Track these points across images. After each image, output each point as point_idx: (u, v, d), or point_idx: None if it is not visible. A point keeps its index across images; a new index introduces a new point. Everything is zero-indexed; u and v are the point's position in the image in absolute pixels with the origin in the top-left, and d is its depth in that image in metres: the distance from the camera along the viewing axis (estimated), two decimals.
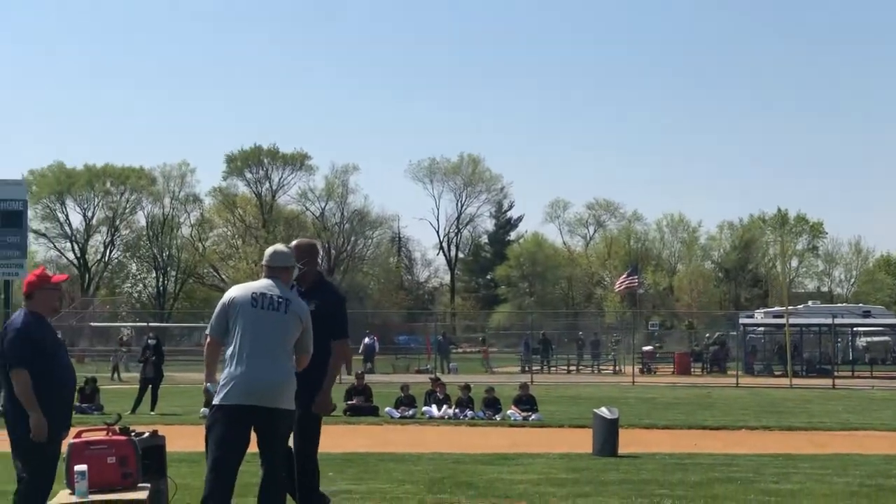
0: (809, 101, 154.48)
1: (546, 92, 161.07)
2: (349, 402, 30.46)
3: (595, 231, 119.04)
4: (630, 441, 21.53)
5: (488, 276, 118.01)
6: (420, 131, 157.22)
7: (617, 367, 63.20)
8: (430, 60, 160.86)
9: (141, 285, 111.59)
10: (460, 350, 79.94)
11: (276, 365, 9.85)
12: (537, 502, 13.58)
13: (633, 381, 49.73)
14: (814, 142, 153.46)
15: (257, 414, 9.80)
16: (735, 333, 64.83)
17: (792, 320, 53.87)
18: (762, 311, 70.22)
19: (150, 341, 32.41)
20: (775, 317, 60.63)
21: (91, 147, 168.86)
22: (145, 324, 70.62)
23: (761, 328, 63.84)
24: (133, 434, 11.92)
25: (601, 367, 64.29)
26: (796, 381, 48.87)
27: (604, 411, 20.44)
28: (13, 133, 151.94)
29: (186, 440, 20.15)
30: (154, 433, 12.64)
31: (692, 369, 60.63)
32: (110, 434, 11.79)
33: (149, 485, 11.72)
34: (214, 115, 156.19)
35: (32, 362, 9.89)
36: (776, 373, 57.96)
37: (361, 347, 60.94)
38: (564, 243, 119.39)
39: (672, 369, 60.34)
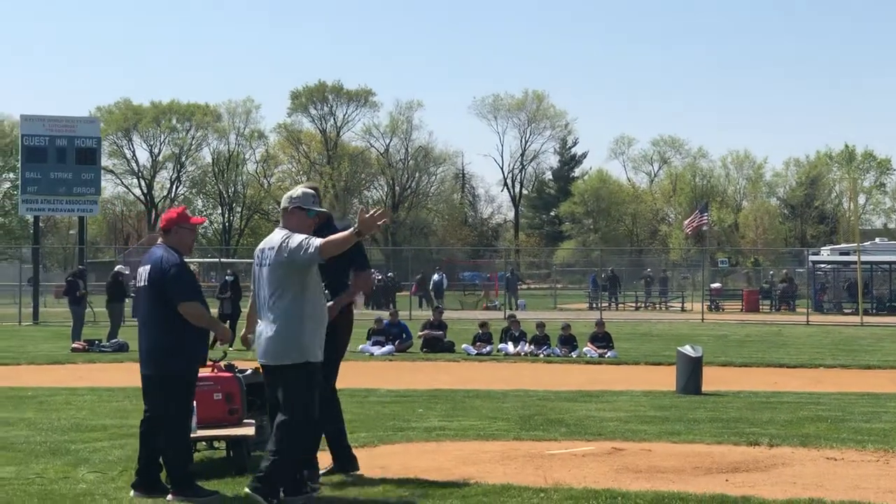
0: (876, 36, 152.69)
1: (611, 27, 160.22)
2: (424, 332, 30.70)
3: (660, 168, 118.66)
4: (709, 379, 21.49)
5: (552, 213, 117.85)
6: (484, 67, 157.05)
7: (685, 305, 63.00)
8: None
9: (207, 221, 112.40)
10: (525, 286, 79.98)
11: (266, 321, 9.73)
12: (631, 440, 13.67)
13: (703, 319, 49.58)
14: (881, 77, 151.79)
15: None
16: (802, 270, 64.39)
17: (863, 258, 53.35)
18: (829, 248, 69.62)
19: (227, 278, 32.67)
20: (842, 254, 60.06)
21: (157, 84, 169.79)
22: (216, 259, 71.25)
23: (829, 265, 63.34)
24: (237, 371, 12.14)
25: (668, 305, 64.14)
26: (867, 318, 48.53)
27: (688, 349, 20.45)
28: (81, 70, 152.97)
29: None
30: (256, 370, 12.85)
31: (760, 306, 60.33)
32: (216, 371, 12.01)
33: (253, 420, 11.94)
34: (279, 51, 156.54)
35: (196, 296, 10.13)
36: (846, 311, 57.54)
37: (431, 284, 61.20)
38: (629, 180, 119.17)
39: (740, 306, 60.09)
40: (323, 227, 10.38)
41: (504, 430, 14.67)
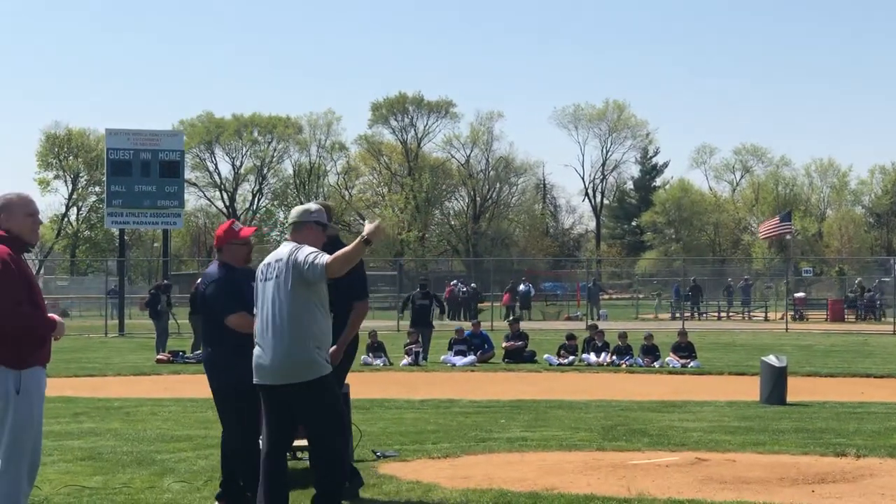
0: None
1: (691, 36, 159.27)
2: (507, 344, 30.75)
3: (742, 177, 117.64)
4: (794, 389, 21.31)
5: (633, 223, 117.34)
6: (564, 77, 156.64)
7: (767, 314, 62.41)
8: (574, 5, 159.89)
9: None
10: (606, 296, 79.66)
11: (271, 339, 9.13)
12: (714, 450, 13.57)
13: (786, 328, 49.13)
14: None
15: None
16: (888, 280, 63.57)
17: None
18: None
19: None
20: None
21: (239, 97, 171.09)
22: None
23: None
24: None
25: (751, 314, 63.59)
26: None
27: (772, 359, 20.29)
28: (164, 84, 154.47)
29: (362, 387, 20.56)
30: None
31: (846, 316, 59.61)
32: None
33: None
34: (360, 63, 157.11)
35: (238, 307, 10.00)
36: None
37: (517, 294, 61.21)
38: (711, 189, 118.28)
39: (825, 316, 59.43)
40: (329, 245, 10.06)
41: (587, 440, 14.63)
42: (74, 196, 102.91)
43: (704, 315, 62.40)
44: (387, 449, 13.51)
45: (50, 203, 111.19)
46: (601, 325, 42.47)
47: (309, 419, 9.12)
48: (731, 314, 63.53)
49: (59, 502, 10.40)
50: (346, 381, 12.56)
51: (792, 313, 57.70)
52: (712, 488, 10.83)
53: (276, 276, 9.06)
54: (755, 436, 15.07)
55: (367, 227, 8.82)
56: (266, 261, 9.32)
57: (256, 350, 9.17)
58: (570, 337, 31.03)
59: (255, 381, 9.19)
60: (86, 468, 12.42)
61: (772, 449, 13.75)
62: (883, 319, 57.48)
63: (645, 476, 11.55)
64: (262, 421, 9.40)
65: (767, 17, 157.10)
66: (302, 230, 9.30)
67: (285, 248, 9.19)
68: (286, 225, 9.83)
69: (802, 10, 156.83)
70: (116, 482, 11.43)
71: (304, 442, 11.34)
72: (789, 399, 19.95)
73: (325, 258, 8.84)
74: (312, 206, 9.56)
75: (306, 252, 8.95)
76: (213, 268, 10.47)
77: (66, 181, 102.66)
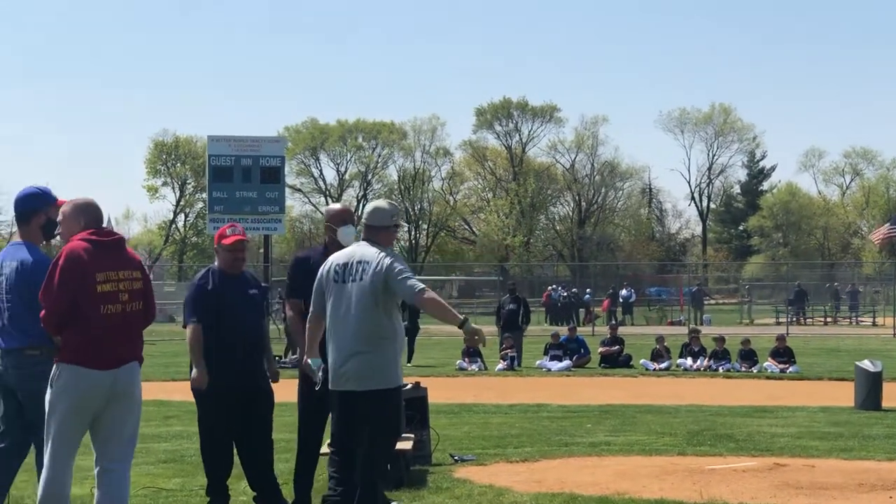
0: None
1: (799, 38, 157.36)
2: (603, 350, 30.62)
3: (852, 180, 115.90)
4: (894, 395, 21.00)
5: (740, 227, 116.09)
6: (670, 81, 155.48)
7: (876, 319, 61.46)
8: (677, 8, 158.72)
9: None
10: (713, 301, 79.03)
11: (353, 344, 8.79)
12: (800, 456, 13.38)
13: (895, 334, 48.33)
14: None
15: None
16: None
17: None
18: None
19: None
20: None
21: (343, 103, 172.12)
22: None
23: None
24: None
25: (859, 319, 62.69)
26: None
27: (866, 364, 19.97)
28: (269, 91, 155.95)
29: (444, 391, 20.60)
30: (416, 385, 12.94)
31: None
32: None
33: (412, 435, 12.00)
34: (464, 68, 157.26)
35: (202, 318, 10.02)
36: None
37: (620, 298, 61.00)
38: (819, 193, 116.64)
39: None
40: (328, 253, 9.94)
41: (670, 445, 14.51)
42: (182, 202, 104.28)
43: (810, 320, 61.62)
44: (466, 453, 13.49)
45: (158, 210, 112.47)
46: (703, 329, 42.19)
47: (369, 431, 8.83)
48: (838, 319, 62.67)
49: (136, 503, 10.49)
50: (421, 385, 12.61)
51: None
52: (787, 494, 10.69)
53: (362, 280, 8.72)
54: (844, 442, 14.84)
55: (473, 329, 8.72)
56: (342, 261, 8.94)
57: (337, 352, 8.86)
58: (660, 339, 30.78)
59: (330, 386, 8.98)
60: (167, 470, 12.56)
61: (858, 455, 13.54)
62: None
63: (720, 481, 11.41)
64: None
65: (872, 18, 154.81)
66: (381, 233, 9.02)
67: (371, 251, 8.83)
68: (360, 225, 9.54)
69: None
70: (194, 484, 11.52)
71: None
72: (887, 405, 19.61)
73: (419, 284, 8.68)
74: (390, 206, 9.31)
75: (400, 266, 8.70)
76: (199, 273, 10.59)
77: (173, 188, 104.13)
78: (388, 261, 8.68)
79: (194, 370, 10.04)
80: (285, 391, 10.74)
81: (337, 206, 11.04)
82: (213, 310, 10.02)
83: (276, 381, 10.45)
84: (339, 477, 9.06)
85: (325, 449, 11.46)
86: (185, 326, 10.20)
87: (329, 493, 9.19)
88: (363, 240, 9.08)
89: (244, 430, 10.27)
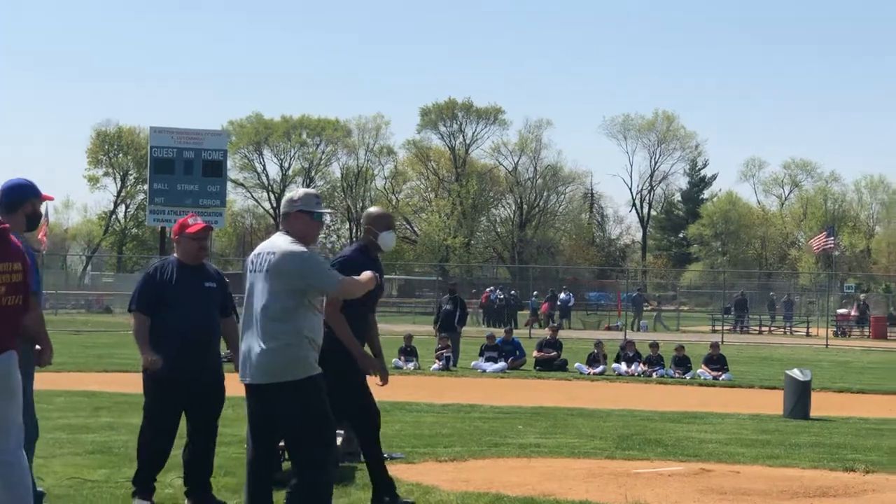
0: None
1: (742, 49, 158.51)
2: (539, 353, 30.71)
3: (791, 191, 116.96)
4: (823, 404, 21.29)
5: (681, 235, 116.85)
6: (614, 87, 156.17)
7: (809, 330, 62.09)
8: (624, 15, 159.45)
9: (335, 236, 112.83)
10: (650, 309, 79.44)
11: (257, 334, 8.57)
12: (726, 462, 13.50)
13: (827, 344, 48.84)
14: None
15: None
16: None
17: None
18: None
19: None
20: None
21: (288, 99, 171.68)
22: None
23: None
24: None
25: (793, 329, 63.29)
26: None
27: (796, 373, 20.20)
28: (213, 85, 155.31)
29: (378, 389, 20.52)
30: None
31: (888, 334, 59.21)
32: None
33: (342, 431, 11.99)
34: (409, 68, 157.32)
35: (148, 306, 10.05)
36: None
37: (559, 302, 61.21)
38: (759, 203, 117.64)
39: (868, 333, 59.05)
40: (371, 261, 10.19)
41: (599, 448, 14.58)
42: (123, 193, 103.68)
43: (746, 329, 62.13)
44: (396, 451, 13.50)
45: (99, 200, 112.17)
46: (638, 336, 42.47)
47: (289, 423, 8.56)
48: (772, 329, 63.25)
49: (60, 494, 10.42)
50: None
51: (834, 329, 57.42)
52: (711, 498, 10.79)
53: (269, 269, 8.51)
54: (770, 449, 14.99)
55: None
56: (257, 251, 8.83)
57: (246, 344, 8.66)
58: (598, 344, 30.92)
59: (240, 379, 8.79)
60: (93, 461, 12.47)
61: (784, 462, 13.68)
62: None
63: (645, 485, 11.50)
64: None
65: (818, 31, 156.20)
66: (289, 219, 8.83)
67: (282, 240, 8.69)
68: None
69: (852, 26, 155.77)
70: (120, 476, 11.44)
71: None
72: (814, 413, 19.88)
73: (338, 275, 8.63)
74: (297, 193, 9.03)
75: (319, 259, 8.64)
76: (156, 262, 10.63)
77: (115, 178, 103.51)
78: (291, 256, 8.50)
79: (142, 355, 10.08)
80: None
81: (377, 209, 10.94)
82: (163, 300, 10.01)
83: None
84: (254, 476, 8.87)
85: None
86: (129, 311, 10.23)
87: (246, 496, 8.97)
88: (280, 229, 8.94)
89: (190, 424, 10.22)
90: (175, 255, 10.37)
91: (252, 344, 8.57)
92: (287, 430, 8.62)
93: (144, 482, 10.22)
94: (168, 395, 10.05)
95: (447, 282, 40.17)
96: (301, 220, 8.81)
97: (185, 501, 10.16)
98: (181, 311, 9.98)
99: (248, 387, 8.67)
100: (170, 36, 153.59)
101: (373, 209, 10.91)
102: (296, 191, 9.09)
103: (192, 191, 48.97)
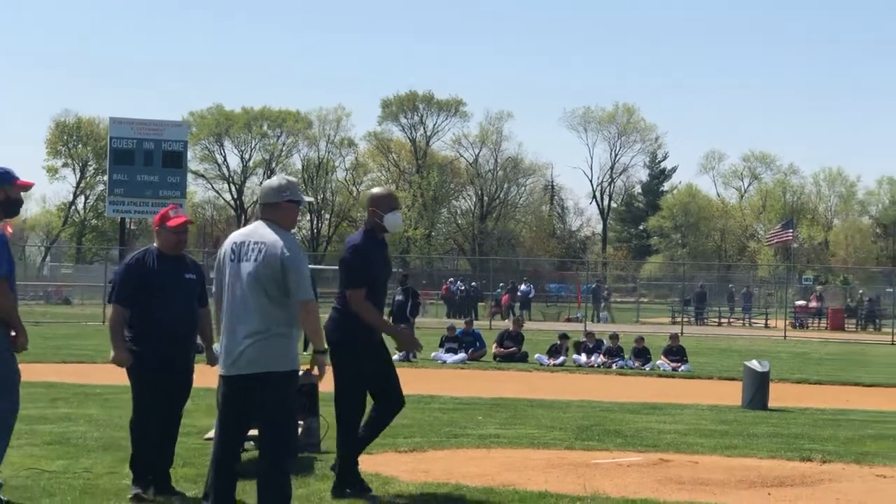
0: None
1: (702, 42, 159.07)
2: (499, 348, 30.69)
3: (750, 183, 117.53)
4: (781, 395, 21.41)
5: (641, 227, 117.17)
6: (575, 79, 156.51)
7: (768, 321, 62.45)
8: (585, 8, 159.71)
9: (295, 227, 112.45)
10: (610, 300, 79.64)
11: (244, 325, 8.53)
12: (685, 452, 13.56)
13: (785, 336, 49.13)
14: None
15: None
16: (892, 290, 63.58)
17: None
18: None
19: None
20: None
21: (249, 90, 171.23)
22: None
23: None
24: None
25: (752, 321, 63.63)
26: None
27: (754, 364, 20.30)
28: (174, 76, 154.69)
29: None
30: (308, 371, 12.89)
31: (846, 325, 59.64)
32: None
33: (301, 422, 11.98)
34: (371, 59, 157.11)
35: (128, 298, 10.01)
36: None
37: (519, 293, 61.31)
38: (718, 195, 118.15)
39: (825, 324, 59.45)
40: (378, 243, 10.34)
41: (559, 439, 14.61)
42: (82, 184, 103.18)
43: (706, 320, 62.42)
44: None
45: (58, 191, 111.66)
46: (599, 327, 42.58)
47: (267, 414, 8.55)
48: (731, 320, 63.58)
49: (17, 485, 10.36)
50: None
51: (792, 321, 57.81)
52: (669, 489, 10.83)
53: (258, 260, 8.48)
54: (729, 439, 15.05)
55: (322, 363, 8.75)
56: (239, 239, 8.74)
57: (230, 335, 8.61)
58: (563, 337, 30.96)
59: (220, 371, 8.75)
60: (51, 452, 12.41)
61: (742, 453, 13.73)
62: (882, 330, 57.42)
63: (604, 475, 11.54)
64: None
65: (778, 24, 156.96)
66: (277, 209, 8.79)
67: (272, 235, 8.59)
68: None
69: (814, 19, 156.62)
70: (78, 466, 11.43)
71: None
72: (772, 404, 19.98)
73: (310, 292, 8.51)
74: (280, 182, 8.95)
75: (303, 264, 8.54)
76: (134, 252, 10.55)
77: (74, 169, 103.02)
78: (291, 252, 8.48)
79: (112, 350, 10.03)
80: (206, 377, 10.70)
81: (381, 189, 10.89)
82: (145, 290, 9.97)
83: (213, 364, 10.40)
84: (220, 467, 8.83)
85: (211, 434, 11.45)
86: (109, 303, 10.18)
87: (211, 487, 8.90)
88: (260, 219, 8.86)
89: (163, 417, 10.18)
90: (155, 244, 10.33)
91: (237, 334, 8.55)
92: (263, 422, 8.61)
93: (140, 472, 10.12)
94: (155, 385, 10.01)
95: (401, 272, 40.19)
96: (291, 210, 8.90)
97: (135, 484, 10.12)
98: (165, 302, 9.97)
99: (229, 377, 8.63)
100: (130, 26, 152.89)
101: (376, 189, 10.86)
102: (277, 179, 9.02)
103: (152, 182, 48.82)
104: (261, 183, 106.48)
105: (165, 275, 10.04)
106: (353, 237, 10.64)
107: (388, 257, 10.75)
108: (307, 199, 9.30)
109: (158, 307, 9.94)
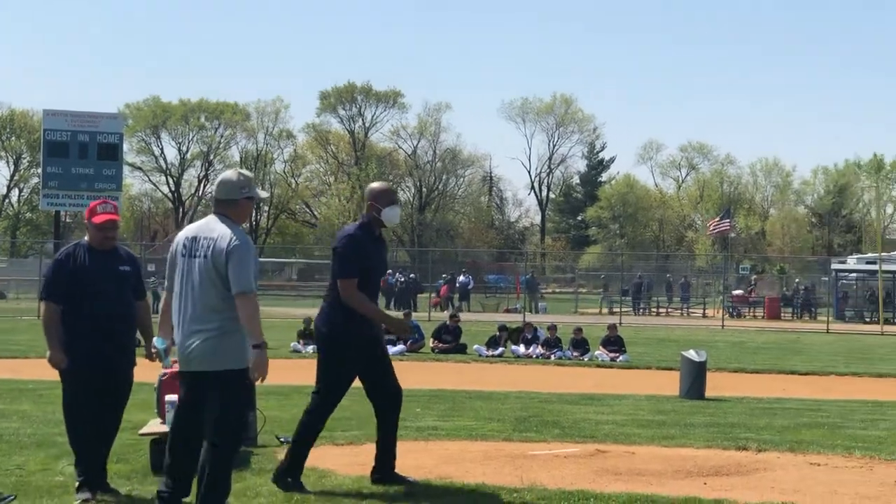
0: None
1: (640, 32, 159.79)
2: (436, 342, 30.67)
3: (687, 174, 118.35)
4: (718, 384, 21.56)
5: (579, 217, 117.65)
6: (513, 70, 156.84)
7: (706, 311, 62.88)
8: None
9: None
10: (549, 291, 79.87)
11: (195, 322, 8.55)
12: (622, 443, 13.59)
13: (723, 325, 49.45)
14: None
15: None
16: (826, 279, 64.22)
17: (885, 267, 53.14)
18: (855, 257, 69.43)
19: None
20: (868, 263, 59.82)
21: (186, 82, 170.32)
22: None
23: (853, 274, 63.08)
24: None
25: (690, 311, 64.04)
26: (888, 328, 48.31)
27: (692, 354, 20.40)
28: (110, 68, 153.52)
29: (277, 373, 20.36)
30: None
31: (782, 314, 60.19)
32: None
33: None
34: (309, 51, 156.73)
35: (61, 295, 9.79)
36: (867, 319, 57.35)
37: (458, 285, 61.35)
38: (656, 185, 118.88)
39: (762, 313, 59.95)
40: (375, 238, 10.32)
41: (497, 430, 14.59)
42: (16, 177, 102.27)
43: (644, 310, 62.73)
44: (292, 435, 13.39)
45: None
46: (537, 318, 42.65)
47: (216, 411, 8.52)
48: (670, 310, 63.95)
49: None
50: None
51: (729, 310, 58.25)
52: (606, 479, 10.84)
53: (209, 256, 8.46)
54: (666, 429, 15.09)
55: (261, 362, 8.48)
56: (190, 234, 8.70)
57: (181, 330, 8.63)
58: (502, 328, 31.00)
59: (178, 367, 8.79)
60: None
61: (679, 442, 13.77)
62: (818, 318, 58.01)
63: (541, 467, 11.54)
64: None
65: (715, 15, 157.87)
66: (234, 205, 8.73)
67: (225, 230, 8.54)
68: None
69: (750, 10, 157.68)
70: (10, 463, 11.29)
71: None
72: (709, 394, 20.11)
73: (253, 285, 8.41)
74: (238, 177, 8.83)
75: (250, 264, 8.43)
76: (65, 247, 10.33)
77: (7, 162, 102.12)
78: (236, 244, 8.42)
79: (48, 350, 9.82)
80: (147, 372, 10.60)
81: (380, 184, 10.73)
82: (75, 287, 9.75)
83: (153, 360, 10.29)
84: (175, 466, 8.80)
85: (146, 430, 11.37)
86: (40, 300, 10.01)
87: (163, 489, 8.86)
88: (214, 213, 8.78)
89: (99, 410, 9.95)
90: (86, 238, 10.12)
91: (188, 331, 8.53)
92: (210, 417, 8.57)
93: (88, 474, 9.95)
94: (88, 384, 9.77)
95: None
96: (247, 206, 8.88)
97: (81, 489, 9.98)
98: (98, 296, 9.76)
99: (183, 374, 8.69)
100: (64, 17, 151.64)
101: (375, 184, 10.72)
102: (235, 175, 8.90)
103: (87, 174, 48.34)
104: (204, 176, 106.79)
105: (97, 269, 9.82)
106: (348, 227, 10.57)
107: (384, 255, 10.63)
108: (263, 194, 9.17)
109: (90, 302, 9.74)
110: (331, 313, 10.15)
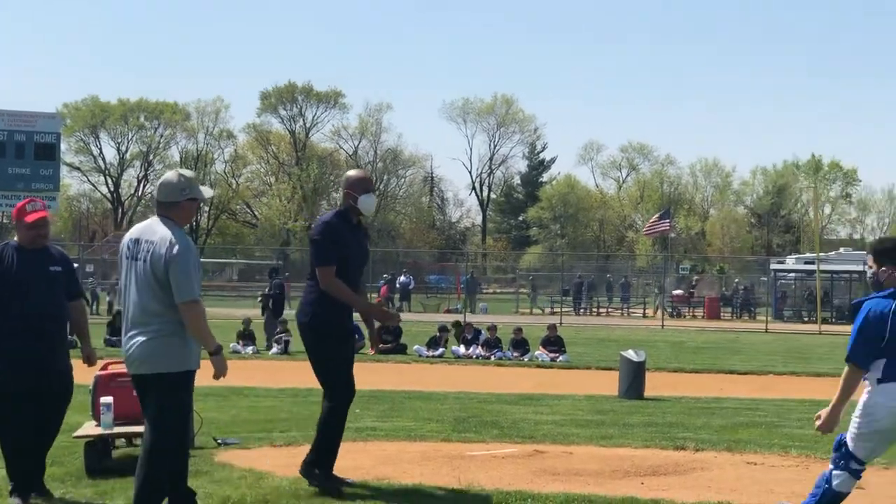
0: (844, 47, 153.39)
1: (580, 33, 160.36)
2: (373, 351, 30.59)
3: (628, 174, 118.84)
4: (657, 384, 21.65)
5: (520, 218, 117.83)
6: (454, 70, 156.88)
7: (646, 311, 63.18)
8: None
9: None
10: (490, 291, 80.00)
11: (135, 325, 8.50)
12: (561, 443, 13.61)
13: (663, 325, 49.73)
14: (849, 88, 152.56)
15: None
16: (766, 279, 64.71)
17: (823, 267, 53.59)
18: (794, 257, 70.02)
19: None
20: (806, 263, 60.36)
21: (125, 82, 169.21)
22: None
23: (792, 274, 63.67)
24: None
25: (631, 311, 64.32)
26: (826, 327, 48.72)
27: (630, 354, 20.50)
28: (48, 67, 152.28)
29: (227, 375, 20.30)
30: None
31: (722, 314, 60.59)
32: None
33: None
34: (249, 51, 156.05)
35: None
36: (805, 319, 57.87)
37: (398, 285, 61.30)
38: (597, 186, 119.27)
39: (702, 313, 60.32)
40: (352, 226, 10.21)
41: (435, 431, 14.58)
42: None
43: (585, 310, 62.93)
44: (231, 436, 13.34)
45: None
46: (477, 318, 42.67)
47: (155, 413, 8.48)
48: (610, 310, 64.20)
49: None
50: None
51: (670, 310, 58.59)
52: (544, 479, 10.85)
53: (150, 259, 8.37)
54: (604, 429, 15.14)
55: (221, 364, 8.57)
56: (134, 236, 8.60)
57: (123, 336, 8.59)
58: (443, 329, 31.01)
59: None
60: None
61: (617, 442, 13.81)
62: (757, 318, 58.45)
63: (479, 467, 11.53)
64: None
65: (654, 15, 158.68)
66: (177, 207, 8.62)
67: (166, 232, 8.43)
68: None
69: (690, 10, 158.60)
70: None
71: (131, 429, 11.25)
72: (648, 394, 20.22)
73: (196, 296, 8.33)
74: (179, 179, 8.69)
75: (191, 269, 8.34)
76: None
77: None
78: (177, 250, 8.31)
79: None
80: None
81: (357, 172, 10.64)
82: (4, 287, 9.57)
83: (92, 364, 10.10)
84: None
85: (81, 432, 11.26)
86: None
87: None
88: (157, 215, 8.67)
89: (35, 415, 9.76)
90: (15, 239, 9.98)
91: (133, 334, 8.47)
92: (148, 420, 8.54)
93: (19, 480, 9.80)
94: (20, 384, 9.55)
95: (273, 265, 40.50)
96: (190, 208, 8.77)
97: (13, 494, 9.84)
98: (27, 297, 9.59)
99: (132, 377, 8.69)
100: (2, 14, 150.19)
101: (351, 172, 10.64)
102: (176, 177, 8.76)
103: (23, 174, 47.91)
104: (143, 176, 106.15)
105: (27, 269, 9.66)
106: (324, 216, 10.47)
107: (363, 243, 10.50)
108: (207, 192, 9.05)
109: (20, 301, 9.58)
110: (313, 303, 10.05)
